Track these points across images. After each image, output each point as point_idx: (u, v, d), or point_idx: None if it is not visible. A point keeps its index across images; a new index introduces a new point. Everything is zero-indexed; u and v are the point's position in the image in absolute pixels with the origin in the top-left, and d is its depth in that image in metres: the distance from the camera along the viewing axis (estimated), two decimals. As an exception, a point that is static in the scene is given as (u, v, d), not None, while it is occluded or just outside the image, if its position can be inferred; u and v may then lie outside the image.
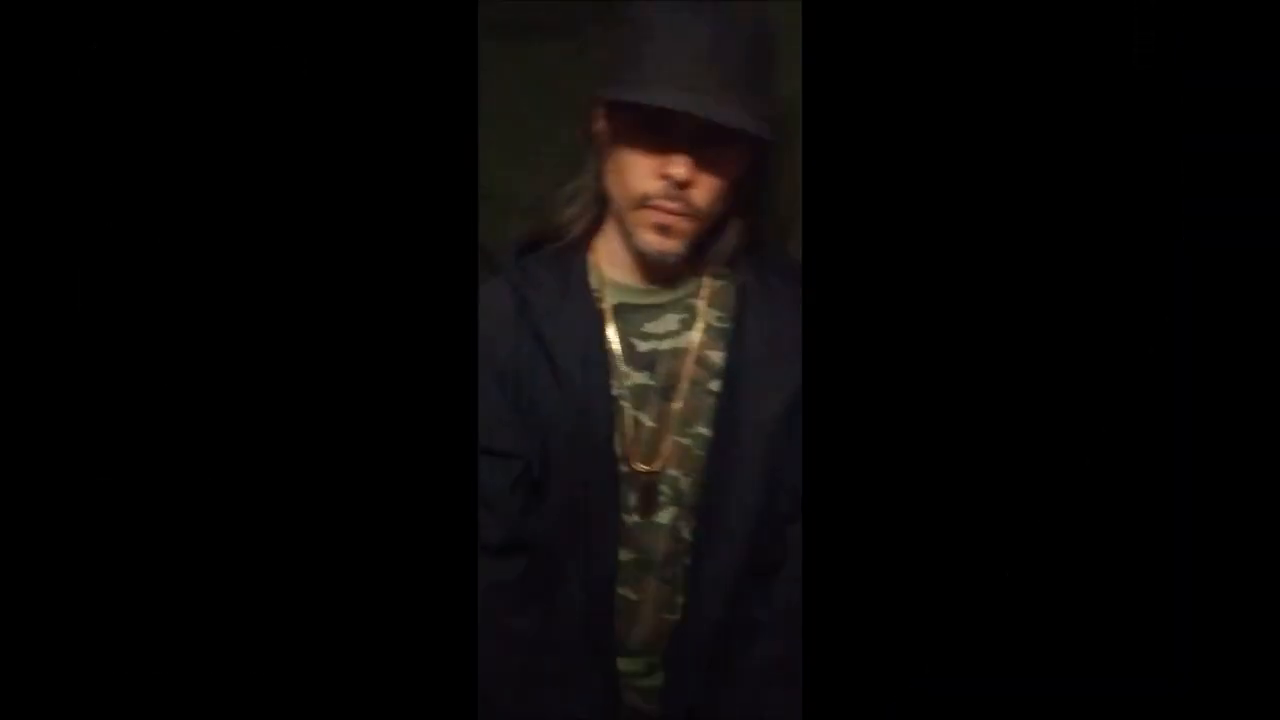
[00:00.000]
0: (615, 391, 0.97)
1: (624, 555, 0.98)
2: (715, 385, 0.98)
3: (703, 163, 0.91)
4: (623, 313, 1.00)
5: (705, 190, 0.92)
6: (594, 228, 1.01)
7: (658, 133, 0.90)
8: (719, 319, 1.01)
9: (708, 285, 1.01)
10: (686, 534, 0.99)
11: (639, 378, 0.98)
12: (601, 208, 0.99)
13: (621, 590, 0.99)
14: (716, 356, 0.99)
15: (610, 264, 1.01)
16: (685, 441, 0.98)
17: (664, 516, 0.98)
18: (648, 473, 0.97)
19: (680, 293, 1.01)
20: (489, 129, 0.85)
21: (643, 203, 0.93)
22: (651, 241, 0.94)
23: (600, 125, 0.95)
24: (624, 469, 0.97)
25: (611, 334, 0.99)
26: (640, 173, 0.92)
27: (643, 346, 0.99)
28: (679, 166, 0.90)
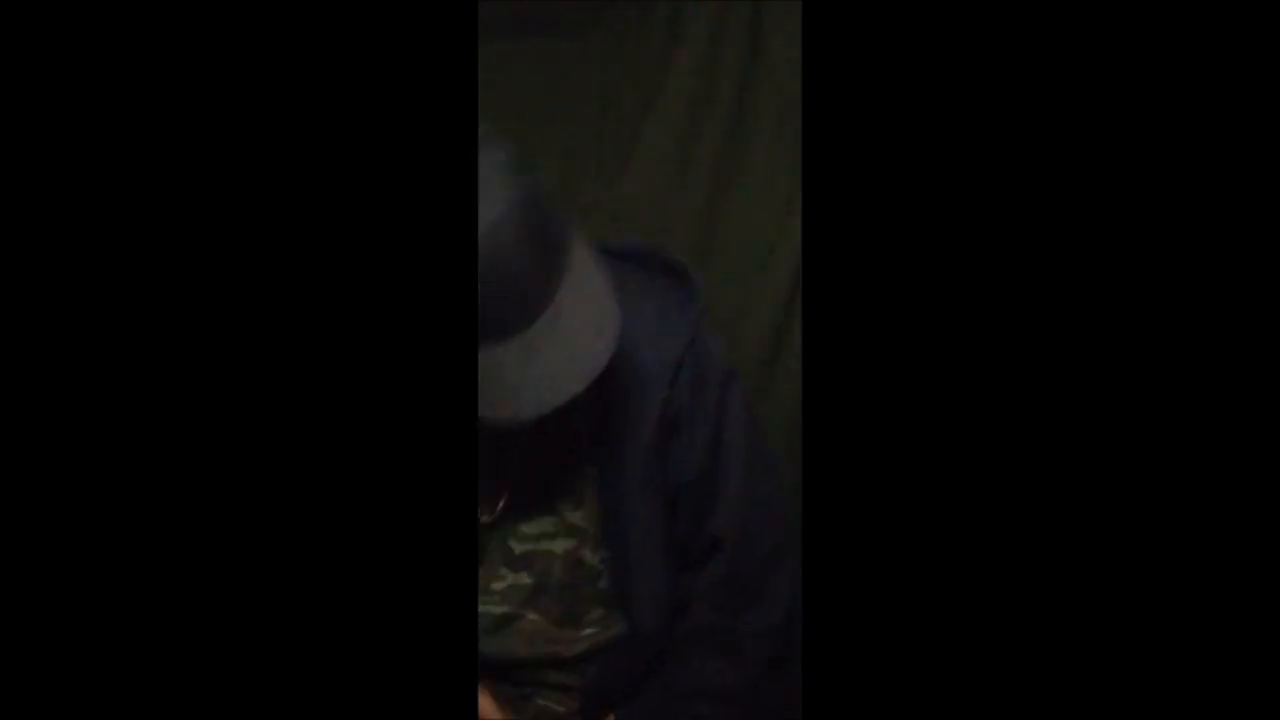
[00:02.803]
0: None
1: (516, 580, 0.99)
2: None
3: None
4: None
5: None
6: None
7: None
8: None
9: None
10: (591, 560, 0.99)
11: None
12: None
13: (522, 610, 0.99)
14: None
15: None
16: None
17: (559, 547, 0.98)
18: None
19: None
20: (489, 129, 0.85)
21: None
22: None
23: None
24: None
25: None
26: None
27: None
28: None
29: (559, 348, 0.83)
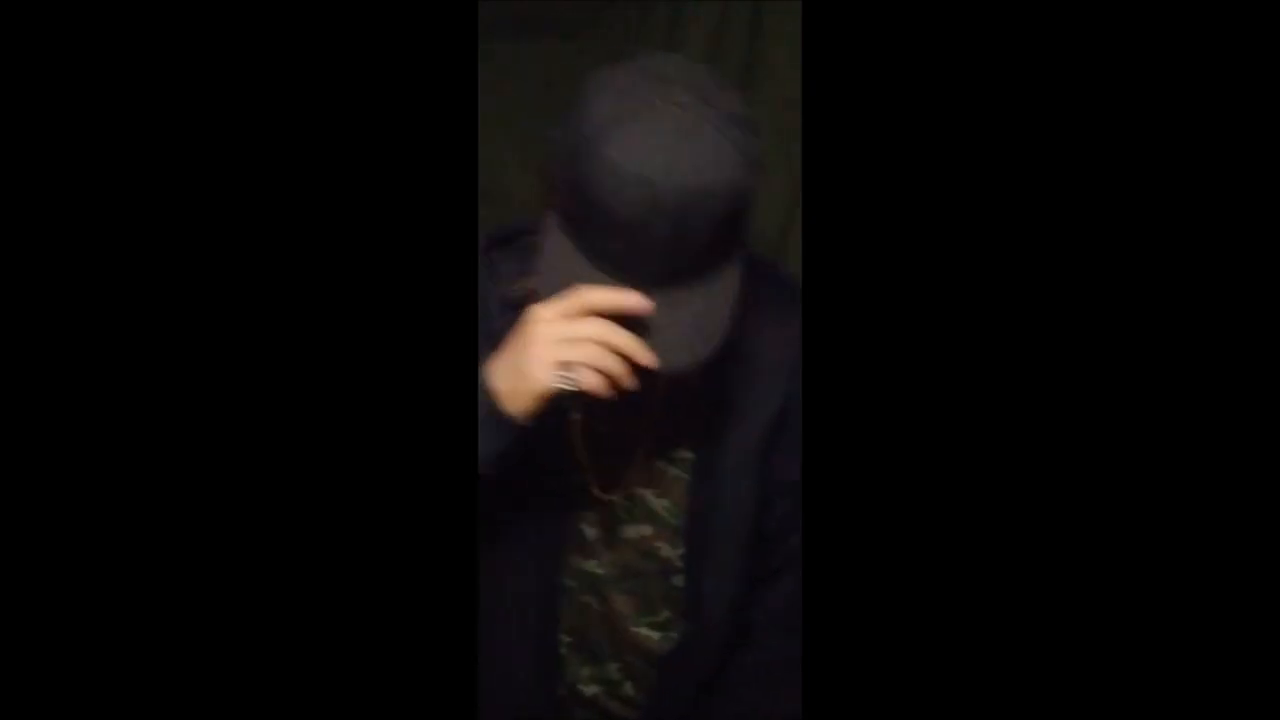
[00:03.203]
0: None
1: (589, 566, 0.97)
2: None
3: None
4: None
5: None
6: None
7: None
8: None
9: None
10: (669, 554, 0.97)
11: None
12: None
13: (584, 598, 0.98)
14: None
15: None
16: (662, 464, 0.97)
17: (632, 533, 0.96)
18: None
19: None
20: (489, 129, 0.85)
21: None
22: None
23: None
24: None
25: None
26: None
27: None
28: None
29: (690, 317, 0.81)
